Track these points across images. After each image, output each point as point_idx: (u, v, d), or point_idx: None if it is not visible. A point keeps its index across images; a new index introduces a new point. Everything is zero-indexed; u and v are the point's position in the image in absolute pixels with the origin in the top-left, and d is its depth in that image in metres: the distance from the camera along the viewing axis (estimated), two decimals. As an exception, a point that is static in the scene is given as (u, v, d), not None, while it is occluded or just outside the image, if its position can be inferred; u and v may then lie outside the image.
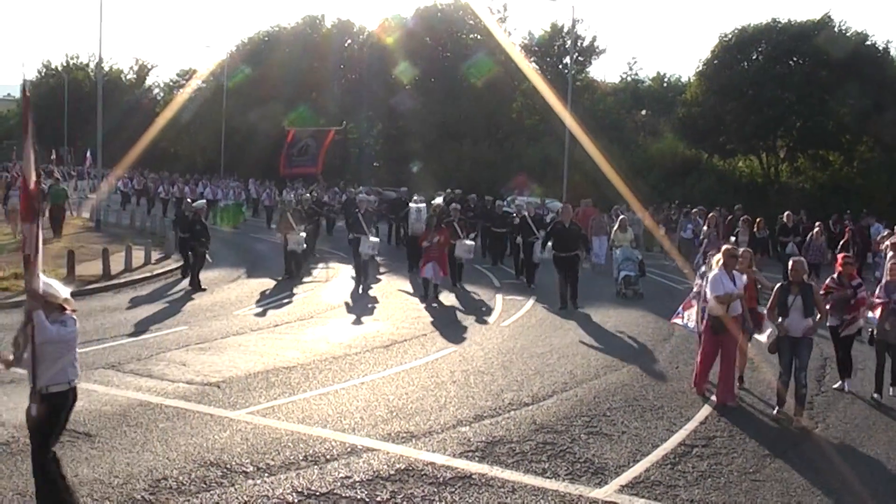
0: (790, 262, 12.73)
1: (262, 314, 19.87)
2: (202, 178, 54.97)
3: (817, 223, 27.86)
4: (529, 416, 11.98)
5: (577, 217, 27.13)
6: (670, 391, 13.53)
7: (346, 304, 21.70)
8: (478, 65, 61.45)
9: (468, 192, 40.21)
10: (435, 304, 21.64)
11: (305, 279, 25.64)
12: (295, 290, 23.31)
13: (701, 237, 27.08)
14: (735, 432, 11.55)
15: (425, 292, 22.04)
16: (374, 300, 22.20)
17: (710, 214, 28.81)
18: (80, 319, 17.67)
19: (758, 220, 28.71)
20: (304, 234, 26.00)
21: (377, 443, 10.59)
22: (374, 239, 24.58)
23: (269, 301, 21.66)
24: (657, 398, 13.09)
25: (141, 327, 17.69)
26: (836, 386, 14.05)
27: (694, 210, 33.33)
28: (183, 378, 13.49)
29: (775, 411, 12.39)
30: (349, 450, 10.31)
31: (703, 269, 14.60)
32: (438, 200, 31.27)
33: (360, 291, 23.55)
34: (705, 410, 12.52)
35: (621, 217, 27.39)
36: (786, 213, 29.62)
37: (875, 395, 13.50)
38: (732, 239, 24.17)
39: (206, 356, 15.20)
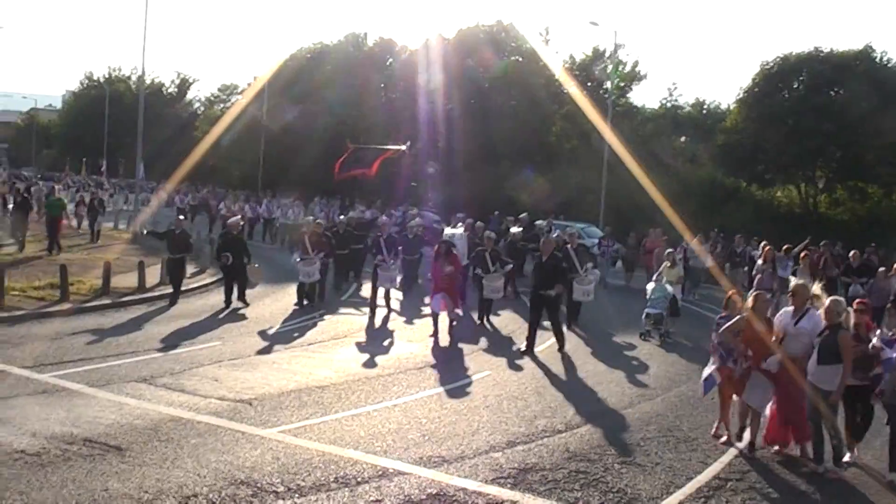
0: (825, 303, 11.56)
1: (296, 332, 19.83)
2: (265, 195, 54.92)
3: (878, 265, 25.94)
4: (562, 443, 11.86)
5: (644, 249, 26.80)
6: (705, 423, 13.32)
7: (381, 325, 21.57)
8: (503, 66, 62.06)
9: (505, 216, 40.02)
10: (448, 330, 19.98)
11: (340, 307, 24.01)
12: (330, 309, 23.23)
13: (754, 272, 25.16)
14: (770, 467, 11.39)
15: (434, 328, 19.94)
16: (409, 322, 22.02)
17: (766, 247, 26.02)
18: (114, 332, 17.91)
19: (825, 257, 27.10)
20: (318, 264, 23.37)
21: (409, 466, 10.49)
22: (393, 269, 23.12)
23: (302, 319, 21.61)
24: (692, 429, 12.93)
25: (174, 341, 17.71)
26: (845, 459, 11.78)
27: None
28: (215, 394, 13.46)
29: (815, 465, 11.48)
30: (380, 473, 10.22)
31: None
32: (516, 229, 29.23)
33: (376, 325, 21.59)
34: (741, 444, 12.34)
35: (669, 251, 24.25)
36: (852, 252, 27.53)
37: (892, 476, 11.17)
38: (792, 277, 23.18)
39: (238, 372, 15.18)
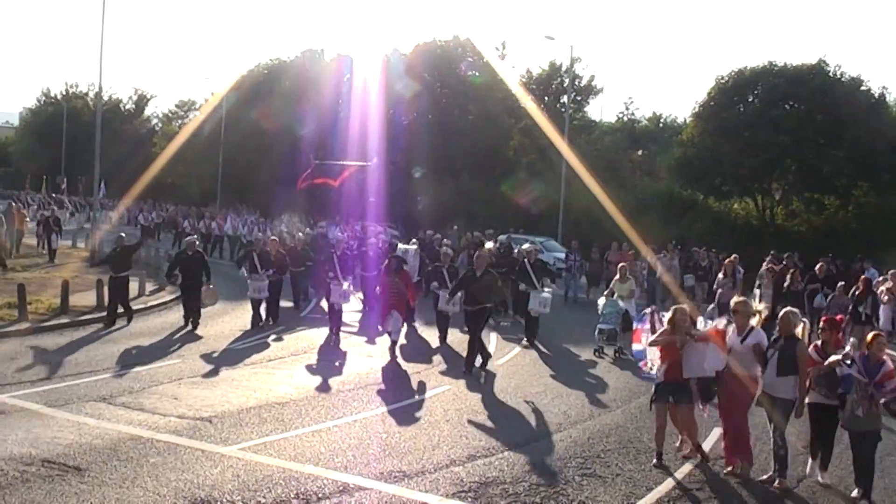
0: (780, 313, 11.67)
1: (256, 349, 19.77)
2: (228, 211, 54.68)
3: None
4: (523, 456, 11.92)
5: (606, 263, 26.93)
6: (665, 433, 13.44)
7: (339, 341, 21.32)
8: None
9: (465, 230, 40.07)
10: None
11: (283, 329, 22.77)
12: (289, 326, 23.14)
13: (715, 286, 24.94)
14: (730, 478, 11.48)
15: (392, 349, 19.18)
16: (369, 339, 21.83)
17: (727, 260, 26.19)
18: (72, 351, 17.79)
19: (792, 271, 26.11)
20: (266, 282, 22.73)
21: (369, 482, 10.52)
22: (346, 287, 21.91)
23: (262, 336, 21.55)
24: (652, 440, 12.96)
25: (133, 360, 17.61)
26: (808, 472, 11.76)
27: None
28: (175, 412, 13.42)
29: (765, 476, 11.43)
30: (341, 488, 10.25)
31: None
32: (490, 245, 28.25)
33: (335, 342, 20.98)
34: (707, 445, 12.45)
35: (621, 265, 22.98)
36: (818, 265, 26.95)
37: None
38: (756, 292, 22.99)
39: (198, 390, 15.14)
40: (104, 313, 22.12)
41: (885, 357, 10.92)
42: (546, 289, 22.12)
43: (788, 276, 25.14)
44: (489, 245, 28.76)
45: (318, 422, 13.38)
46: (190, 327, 21.84)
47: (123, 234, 24.60)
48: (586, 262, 33.65)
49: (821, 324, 12.12)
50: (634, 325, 13.89)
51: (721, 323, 12.24)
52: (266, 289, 22.84)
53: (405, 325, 20.29)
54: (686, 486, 11.06)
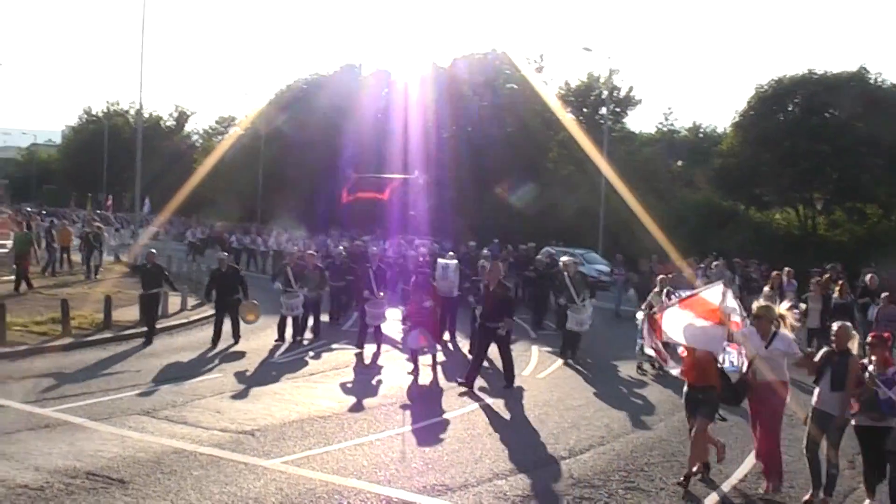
0: (834, 327, 11.22)
1: (298, 362, 19.80)
2: (273, 227, 54.85)
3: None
4: (566, 469, 11.85)
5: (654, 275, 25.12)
6: (709, 447, 13.31)
7: (381, 355, 21.09)
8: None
9: (505, 243, 39.93)
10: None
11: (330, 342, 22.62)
12: (331, 339, 23.13)
13: (762, 300, 23.38)
14: (777, 491, 11.33)
15: (414, 365, 18.63)
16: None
17: (774, 273, 24.97)
18: (117, 365, 17.92)
19: (840, 283, 24.38)
20: (301, 297, 22.56)
21: (412, 495, 10.48)
22: (384, 303, 21.45)
23: (304, 349, 21.59)
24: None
25: (176, 374, 17.72)
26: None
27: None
28: (217, 426, 13.46)
29: (807, 496, 10.96)
30: (384, 502, 10.22)
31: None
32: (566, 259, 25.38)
33: (372, 358, 20.49)
34: (745, 468, 12.30)
35: (660, 277, 21.56)
36: (868, 276, 25.27)
37: None
38: (802, 306, 21.41)
39: (240, 404, 15.18)
40: (144, 329, 22.18)
41: None
42: (586, 303, 21.67)
43: (837, 289, 23.75)
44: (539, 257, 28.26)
45: (361, 435, 13.36)
46: (230, 342, 21.74)
47: (154, 251, 24.39)
48: (634, 275, 32.49)
49: (869, 339, 11.36)
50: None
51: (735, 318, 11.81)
52: (299, 306, 22.63)
53: (433, 342, 19.21)
54: (731, 500, 10.94)
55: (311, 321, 23.22)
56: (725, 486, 11.55)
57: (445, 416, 15.08)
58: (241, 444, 12.44)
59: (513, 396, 16.79)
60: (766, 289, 23.34)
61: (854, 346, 10.99)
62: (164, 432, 12.92)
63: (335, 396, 16.23)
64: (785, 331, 11.48)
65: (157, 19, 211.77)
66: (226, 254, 26.31)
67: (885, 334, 11.31)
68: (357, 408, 15.34)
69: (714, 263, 32.00)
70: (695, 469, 11.57)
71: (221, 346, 21.45)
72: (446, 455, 12.33)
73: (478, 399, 16.40)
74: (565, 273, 22.11)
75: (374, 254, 24.64)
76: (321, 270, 24.11)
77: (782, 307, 11.77)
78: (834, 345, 11.06)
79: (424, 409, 15.57)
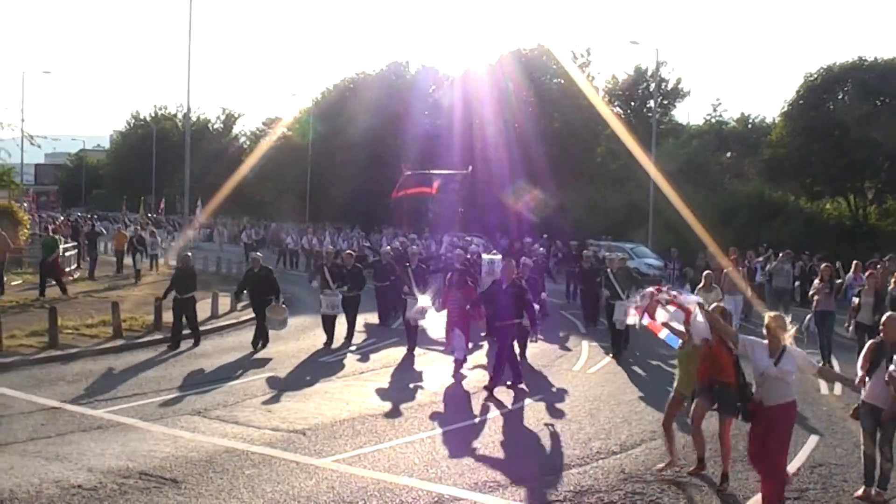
0: (884, 317, 10.95)
1: (348, 361, 19.84)
2: (326, 228, 55.07)
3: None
4: (617, 465, 11.76)
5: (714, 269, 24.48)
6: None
7: (415, 358, 20.64)
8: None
9: (553, 239, 39.78)
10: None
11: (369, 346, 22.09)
12: (380, 338, 23.13)
13: (811, 292, 21.55)
14: (829, 485, 11.14)
15: (457, 368, 18.34)
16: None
17: (824, 266, 22.92)
18: (167, 366, 18.06)
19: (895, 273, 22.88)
20: (339, 297, 22.08)
21: (464, 492, 10.43)
22: (424, 302, 20.31)
23: (354, 347, 21.63)
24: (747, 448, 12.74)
25: (226, 374, 17.82)
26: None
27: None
28: (269, 425, 13.49)
29: (860, 492, 10.77)
30: (436, 499, 10.18)
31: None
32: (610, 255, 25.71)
33: (409, 363, 19.83)
34: (797, 462, 12.09)
35: (706, 272, 21.43)
36: None
37: None
38: (855, 300, 20.03)
39: (291, 403, 15.21)
40: (191, 330, 22.08)
41: None
42: (631, 299, 21.08)
43: (893, 280, 22.00)
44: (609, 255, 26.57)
45: (412, 433, 13.34)
46: (258, 348, 21.13)
47: (189, 254, 24.08)
48: (690, 269, 31.92)
49: None
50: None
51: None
52: (338, 304, 22.18)
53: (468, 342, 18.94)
54: (785, 495, 10.75)
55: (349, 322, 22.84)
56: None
57: (495, 413, 15.03)
58: (293, 443, 12.45)
59: (560, 393, 16.69)
60: (816, 281, 21.69)
61: None
62: (215, 432, 12.97)
63: (385, 395, 16.21)
64: (792, 345, 10.26)
65: (204, 22, 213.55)
66: (259, 254, 25.56)
67: None
68: (407, 406, 15.31)
69: (776, 255, 31.25)
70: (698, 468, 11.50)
71: (271, 345, 21.47)
72: (497, 451, 12.30)
73: (528, 395, 16.32)
74: (609, 269, 21.82)
75: (414, 253, 24.20)
76: (360, 270, 23.75)
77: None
78: (884, 334, 10.74)
79: (474, 406, 15.53)
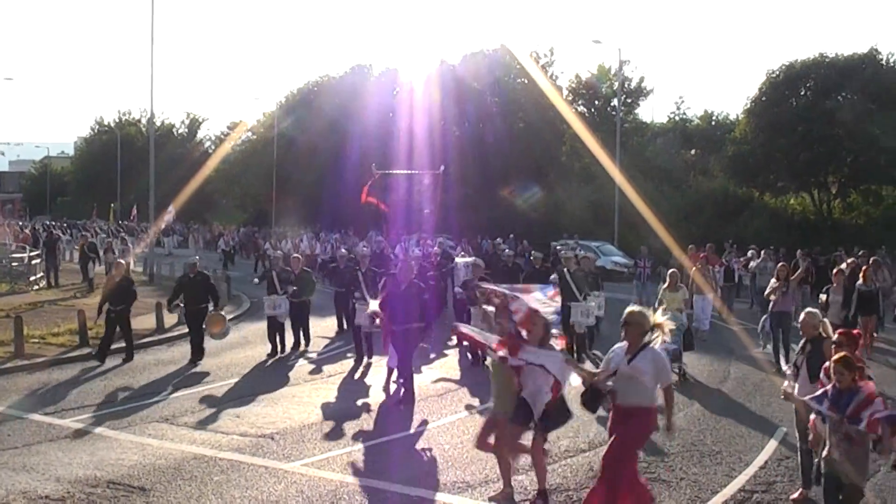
0: (803, 316, 10.64)
1: (315, 365, 19.81)
2: (305, 232, 54.85)
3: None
4: (586, 462, 11.84)
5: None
6: (728, 435, 13.28)
7: (362, 368, 19.81)
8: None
9: (519, 239, 39.83)
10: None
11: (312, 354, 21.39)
12: (346, 342, 22.99)
13: (767, 292, 20.49)
14: (796, 477, 11.24)
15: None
16: (427, 350, 21.19)
17: (780, 264, 21.54)
18: (134, 373, 17.95)
19: (863, 268, 22.10)
20: (284, 298, 21.17)
21: (433, 493, 10.48)
22: (376, 307, 17.03)
23: (321, 352, 21.62)
24: (715, 443, 12.87)
25: (194, 380, 17.77)
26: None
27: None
28: (237, 430, 13.47)
29: (796, 494, 10.51)
30: (406, 501, 10.22)
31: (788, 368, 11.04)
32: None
33: (359, 376, 18.76)
34: (765, 455, 12.26)
35: (671, 271, 19.96)
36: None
37: None
38: (823, 297, 19.88)
39: (259, 408, 15.19)
40: (164, 335, 21.89)
41: (860, 383, 8.62)
42: (589, 300, 19.96)
43: (861, 276, 21.29)
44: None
45: (382, 435, 13.38)
46: (194, 362, 19.81)
47: (123, 262, 22.77)
48: (664, 269, 30.93)
49: (835, 337, 9.86)
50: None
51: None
52: (283, 306, 21.19)
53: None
54: (752, 489, 10.87)
55: (301, 329, 21.99)
56: (752, 469, 11.61)
57: (464, 414, 15.07)
58: (261, 448, 12.45)
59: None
60: (773, 281, 20.34)
61: (823, 330, 10.50)
62: (183, 439, 12.95)
63: (353, 398, 16.21)
64: (657, 347, 9.30)
65: (166, 27, 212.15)
66: (197, 257, 23.42)
67: (855, 331, 10.16)
68: (375, 408, 15.34)
69: (759, 253, 30.99)
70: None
71: (238, 351, 21.42)
72: (466, 452, 12.30)
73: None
74: (565, 268, 20.82)
75: (364, 255, 22.33)
76: (308, 274, 22.71)
77: (658, 316, 9.45)
78: (802, 331, 10.61)
79: (442, 407, 15.56)
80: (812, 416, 9.25)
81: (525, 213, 55.39)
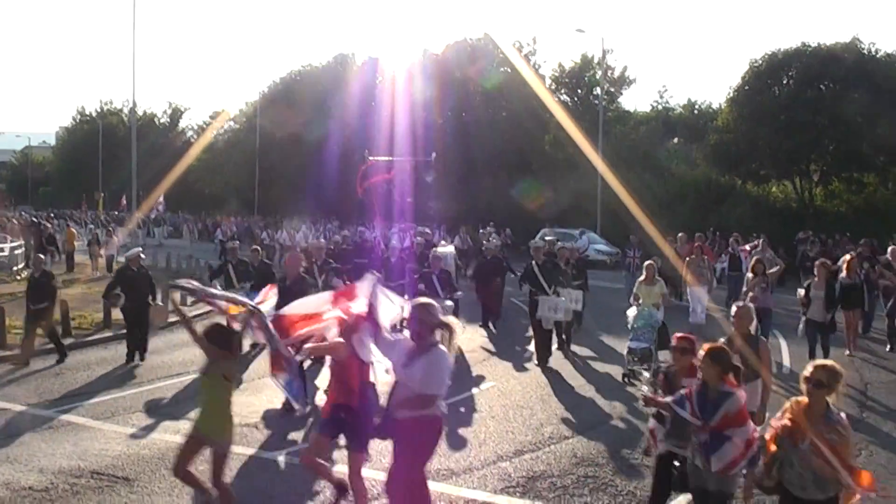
0: (733, 308, 10.57)
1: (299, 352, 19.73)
2: (306, 220, 54.67)
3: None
4: (570, 449, 11.89)
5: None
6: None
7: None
8: (490, 77, 62.35)
9: (501, 227, 39.82)
10: None
11: None
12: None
13: (745, 288, 19.81)
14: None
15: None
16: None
17: (755, 259, 20.99)
18: (116, 364, 17.87)
19: (848, 259, 21.01)
20: (241, 293, 18.68)
21: (417, 481, 10.47)
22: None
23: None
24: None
25: (178, 370, 17.71)
26: None
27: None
28: (221, 419, 13.43)
29: None
30: (389, 489, 10.21)
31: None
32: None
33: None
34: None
35: (647, 263, 18.37)
36: (890, 249, 22.34)
37: None
38: (801, 291, 18.56)
39: (243, 397, 15.12)
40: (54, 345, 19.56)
41: (730, 385, 7.76)
42: (561, 294, 18.84)
43: (845, 268, 20.34)
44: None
45: (364, 423, 13.35)
46: (134, 361, 18.59)
47: (42, 256, 21.98)
48: (658, 259, 29.34)
49: (673, 343, 9.08)
50: None
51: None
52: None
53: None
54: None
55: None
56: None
57: (448, 400, 15.01)
58: (246, 437, 12.44)
59: (515, 379, 16.83)
60: (749, 275, 19.78)
61: (754, 328, 10.36)
62: (167, 428, 12.93)
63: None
64: (447, 351, 8.34)
65: (148, 16, 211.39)
66: (140, 248, 22.11)
67: (691, 336, 9.09)
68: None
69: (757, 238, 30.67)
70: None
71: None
72: (449, 439, 12.29)
73: (477, 384, 16.38)
74: (534, 260, 19.57)
75: (319, 247, 21.71)
76: (267, 266, 21.11)
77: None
78: (734, 327, 10.35)
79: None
80: (650, 424, 8.81)
81: (507, 202, 55.34)
